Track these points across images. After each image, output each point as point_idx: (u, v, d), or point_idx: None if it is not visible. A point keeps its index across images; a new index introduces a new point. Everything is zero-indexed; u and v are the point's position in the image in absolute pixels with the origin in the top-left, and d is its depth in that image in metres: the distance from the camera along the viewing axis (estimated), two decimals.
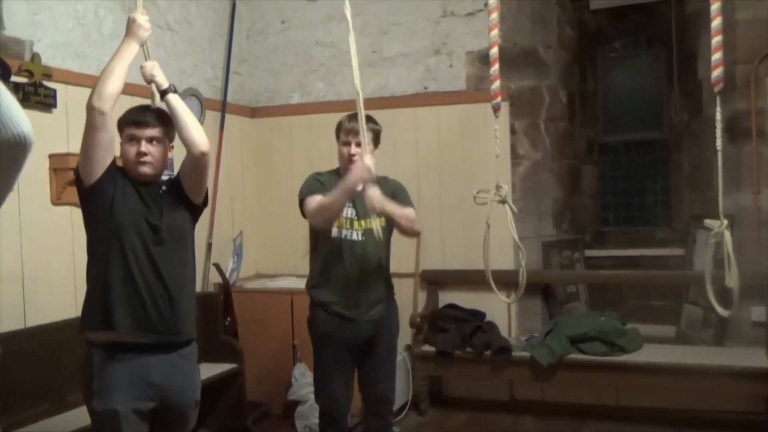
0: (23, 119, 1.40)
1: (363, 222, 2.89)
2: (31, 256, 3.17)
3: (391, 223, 2.88)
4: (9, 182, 1.47)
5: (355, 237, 2.88)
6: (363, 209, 2.86)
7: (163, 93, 2.32)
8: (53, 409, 3.14)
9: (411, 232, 2.97)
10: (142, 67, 2.33)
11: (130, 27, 2.30)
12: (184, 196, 2.39)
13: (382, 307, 2.97)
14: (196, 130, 2.33)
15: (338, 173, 2.97)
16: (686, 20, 4.65)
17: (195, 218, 2.48)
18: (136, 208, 2.29)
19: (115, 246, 2.25)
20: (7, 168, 1.41)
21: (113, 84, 2.22)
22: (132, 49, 2.29)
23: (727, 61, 2.30)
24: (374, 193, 2.66)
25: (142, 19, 2.30)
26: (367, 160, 2.65)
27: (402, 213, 2.85)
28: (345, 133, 2.90)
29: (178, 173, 2.42)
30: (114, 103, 2.22)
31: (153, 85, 2.33)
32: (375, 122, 2.96)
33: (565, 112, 4.82)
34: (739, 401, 3.91)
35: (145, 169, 2.30)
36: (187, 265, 2.41)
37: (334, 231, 2.88)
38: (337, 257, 2.88)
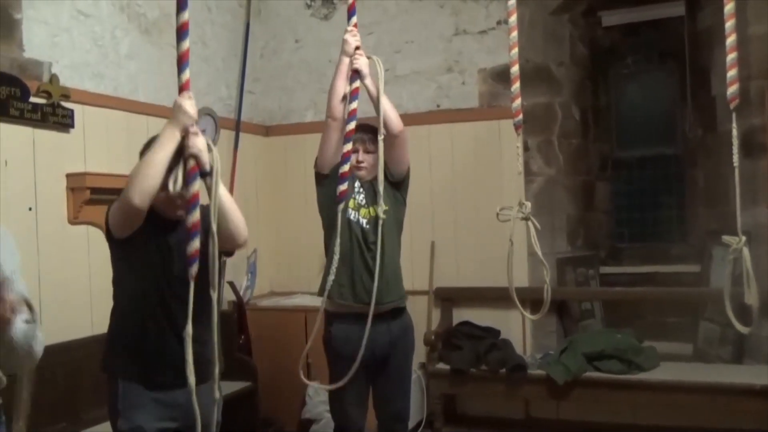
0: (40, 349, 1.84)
1: (370, 210, 2.94)
2: (48, 274, 3.19)
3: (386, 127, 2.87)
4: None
5: (363, 223, 2.93)
6: (370, 197, 2.94)
7: (205, 174, 1.93)
8: (70, 428, 3.16)
9: (392, 119, 2.88)
10: (188, 147, 1.91)
11: (174, 112, 2.01)
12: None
13: (395, 302, 2.97)
14: (240, 220, 2.23)
15: None
16: (699, 35, 4.64)
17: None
18: (166, 257, 2.26)
19: (149, 295, 2.27)
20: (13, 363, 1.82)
21: (155, 180, 2.02)
22: (175, 138, 1.98)
23: (741, 76, 2.30)
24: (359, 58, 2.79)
25: (187, 103, 1.99)
26: (347, 35, 2.82)
27: (391, 106, 2.90)
28: (353, 140, 2.91)
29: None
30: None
31: (190, 162, 1.89)
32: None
33: (578, 128, 4.82)
34: (759, 420, 3.85)
35: (180, 213, 2.22)
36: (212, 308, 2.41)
37: (348, 211, 2.91)
38: (349, 241, 2.90)
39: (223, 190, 2.12)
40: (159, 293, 2.27)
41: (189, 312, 1.76)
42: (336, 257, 2.72)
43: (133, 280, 2.29)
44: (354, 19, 2.78)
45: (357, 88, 2.73)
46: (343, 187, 2.63)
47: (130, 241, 2.23)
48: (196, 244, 1.75)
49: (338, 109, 2.84)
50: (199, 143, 1.92)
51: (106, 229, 2.26)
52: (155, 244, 2.27)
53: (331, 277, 2.83)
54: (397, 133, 2.90)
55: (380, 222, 2.79)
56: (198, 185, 1.86)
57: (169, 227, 2.30)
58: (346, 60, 2.84)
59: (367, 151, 2.95)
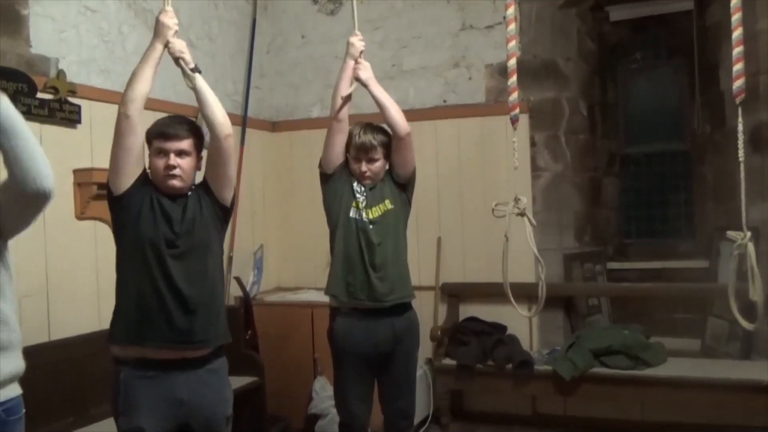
0: (50, 175, 1.67)
1: (372, 210, 2.94)
2: (55, 270, 3.21)
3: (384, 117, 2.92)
4: (25, 224, 1.74)
5: (366, 220, 2.93)
6: (372, 197, 2.95)
7: (193, 70, 2.31)
8: (77, 422, 3.17)
9: (396, 122, 2.90)
10: (169, 44, 2.28)
11: (156, 27, 2.28)
12: (212, 197, 2.37)
13: (399, 298, 2.97)
14: (221, 111, 2.36)
15: None
16: (708, 31, 4.61)
17: (224, 222, 2.45)
18: (159, 222, 2.26)
19: (137, 259, 2.26)
20: (27, 213, 1.71)
21: (138, 87, 2.22)
22: (156, 50, 2.26)
23: (749, 71, 2.28)
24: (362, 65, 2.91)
25: (167, 18, 2.27)
26: (353, 38, 2.93)
27: (389, 97, 2.95)
28: (356, 149, 2.94)
29: (204, 175, 2.41)
30: (140, 107, 2.21)
31: (182, 62, 2.32)
32: (385, 133, 2.99)
33: (585, 124, 4.80)
34: (766, 416, 3.84)
35: (175, 183, 2.28)
36: (208, 275, 2.36)
37: (351, 211, 2.92)
38: (353, 241, 2.91)
39: (204, 85, 2.37)
40: (156, 252, 2.25)
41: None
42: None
43: (132, 241, 2.27)
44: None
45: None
46: None
47: (129, 199, 2.26)
48: None
49: (341, 111, 2.89)
50: (178, 45, 2.29)
51: (108, 191, 2.31)
52: (153, 205, 2.27)
53: (336, 277, 2.91)
54: (402, 136, 2.91)
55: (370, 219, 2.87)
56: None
57: (167, 194, 2.32)
58: (350, 63, 2.93)
59: (370, 161, 2.94)
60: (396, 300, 2.95)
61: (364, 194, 2.96)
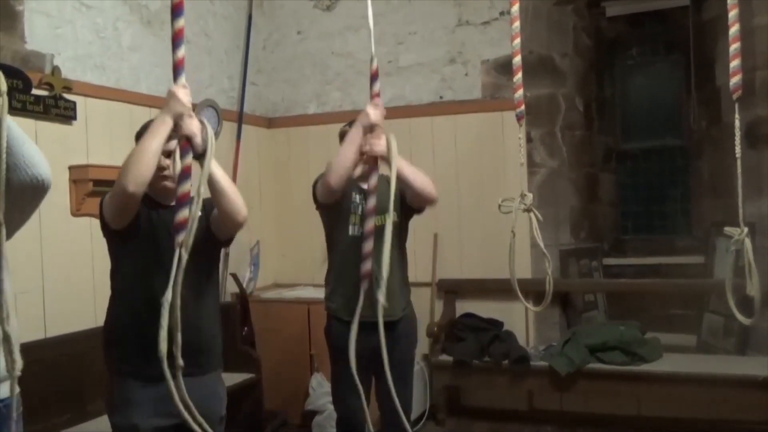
0: (42, 163, 1.53)
1: (375, 219, 2.89)
2: (51, 266, 3.20)
3: (402, 187, 2.78)
4: (23, 219, 1.59)
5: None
6: (374, 205, 2.87)
7: (199, 156, 1.92)
8: (74, 419, 3.17)
9: (424, 194, 2.83)
10: (181, 129, 1.92)
11: (168, 101, 2.01)
12: (210, 234, 2.34)
13: (400, 314, 2.96)
14: (237, 198, 2.23)
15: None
16: (704, 26, 4.62)
17: (219, 249, 2.44)
18: (162, 243, 2.17)
19: (138, 284, 2.23)
20: (24, 206, 1.54)
21: (148, 167, 2.04)
22: (167, 125, 2.00)
23: (746, 67, 2.28)
24: (380, 138, 2.51)
25: (180, 92, 1.99)
26: (369, 108, 2.55)
27: (413, 168, 2.76)
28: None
29: (209, 220, 2.32)
30: (146, 185, 2.06)
31: (179, 142, 1.96)
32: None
33: (581, 119, 4.80)
34: (762, 411, 3.85)
35: (167, 183, 2.24)
36: (208, 296, 2.38)
37: (349, 228, 2.90)
38: (351, 255, 2.83)
39: (218, 170, 2.16)
40: (153, 279, 2.18)
41: (170, 281, 1.69)
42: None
43: (129, 266, 2.25)
44: (377, 87, 2.44)
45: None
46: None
47: (126, 230, 2.21)
48: (185, 212, 1.72)
49: (342, 183, 2.75)
50: (192, 126, 1.92)
51: (101, 220, 2.25)
52: (150, 230, 2.24)
53: (336, 293, 2.91)
54: (431, 204, 2.90)
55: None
56: (190, 161, 1.86)
57: (164, 211, 2.28)
58: (360, 133, 2.61)
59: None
60: (394, 317, 2.93)
61: (364, 202, 2.84)
